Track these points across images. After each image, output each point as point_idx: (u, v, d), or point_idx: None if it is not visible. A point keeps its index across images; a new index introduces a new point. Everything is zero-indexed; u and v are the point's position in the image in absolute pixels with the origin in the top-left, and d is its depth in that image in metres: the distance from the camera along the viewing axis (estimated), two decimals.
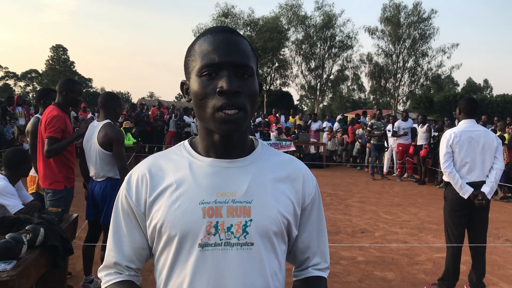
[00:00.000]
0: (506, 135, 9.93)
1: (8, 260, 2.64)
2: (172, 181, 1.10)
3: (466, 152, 4.00)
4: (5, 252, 2.67)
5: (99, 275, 1.20)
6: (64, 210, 3.78)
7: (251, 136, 1.23)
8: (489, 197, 3.96)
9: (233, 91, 1.01)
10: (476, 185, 3.98)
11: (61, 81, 4.14)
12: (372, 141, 11.93)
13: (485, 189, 3.95)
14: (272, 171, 1.14)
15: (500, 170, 4.04)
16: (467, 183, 3.98)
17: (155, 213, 1.09)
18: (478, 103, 4.22)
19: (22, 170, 3.66)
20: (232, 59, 1.03)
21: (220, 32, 1.06)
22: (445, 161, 4.05)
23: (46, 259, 3.08)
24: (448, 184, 4.16)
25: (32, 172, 4.34)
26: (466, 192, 3.95)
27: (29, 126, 4.46)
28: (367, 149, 13.04)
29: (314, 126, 15.72)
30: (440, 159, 4.16)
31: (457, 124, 4.24)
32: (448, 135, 4.09)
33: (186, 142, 1.20)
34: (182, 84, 1.16)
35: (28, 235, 2.89)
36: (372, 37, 36.48)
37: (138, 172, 1.15)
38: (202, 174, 1.10)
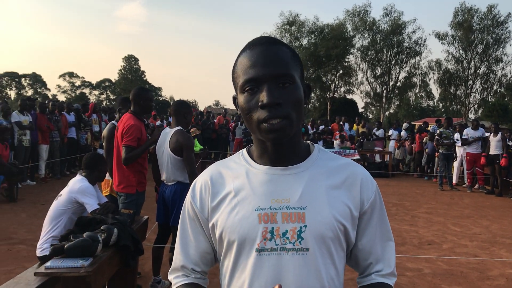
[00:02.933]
0: None
1: (85, 257, 2.83)
2: (231, 189, 1.15)
3: None
4: (83, 250, 2.86)
5: (169, 277, 1.28)
6: (135, 213, 3.99)
7: (308, 141, 1.25)
8: None
9: (273, 103, 1.03)
10: None
11: (135, 90, 4.35)
12: (440, 150, 11.51)
13: None
14: (327, 177, 1.15)
15: None
16: None
17: (217, 219, 1.15)
18: None
19: (99, 172, 3.87)
20: (269, 71, 1.05)
21: (258, 45, 1.09)
22: None
23: (118, 258, 3.26)
24: None
25: (107, 175, 4.59)
26: None
27: (105, 132, 4.73)
28: (436, 158, 12.59)
29: (379, 134, 15.41)
30: None
31: None
32: None
33: (244, 150, 1.25)
34: (234, 99, 1.21)
35: (103, 235, 3.07)
36: (442, 43, 35.23)
37: (201, 180, 1.22)
38: (257, 182, 1.14)
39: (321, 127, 16.39)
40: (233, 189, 1.15)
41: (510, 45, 39.54)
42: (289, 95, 1.07)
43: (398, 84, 37.72)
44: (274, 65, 1.06)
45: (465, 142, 11.27)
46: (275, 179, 1.13)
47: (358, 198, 1.15)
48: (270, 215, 1.09)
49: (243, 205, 1.12)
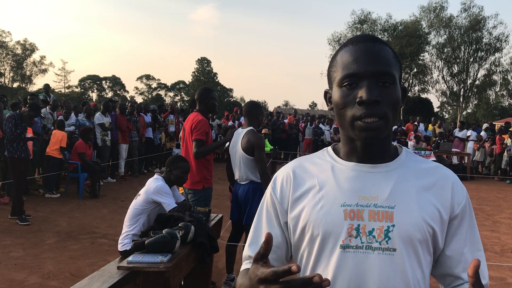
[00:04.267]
0: None
1: (164, 253, 2.95)
2: (315, 183, 1.14)
3: None
4: (163, 246, 2.99)
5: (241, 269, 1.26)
6: (210, 210, 4.09)
7: (396, 144, 1.22)
8: None
9: (372, 101, 1.01)
10: None
11: (200, 90, 4.55)
12: None
13: None
14: (417, 178, 1.11)
15: None
16: None
17: (300, 212, 1.13)
18: None
19: (178, 172, 3.87)
20: (371, 68, 1.03)
21: (362, 42, 1.07)
22: None
23: (195, 255, 3.37)
24: None
25: None
26: None
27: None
28: None
29: (459, 135, 14.72)
30: None
31: None
32: None
33: (329, 148, 1.23)
34: (326, 93, 1.20)
35: (181, 232, 3.19)
36: None
37: (284, 172, 1.21)
38: (344, 177, 1.12)
39: (395, 127, 15.92)
40: (318, 183, 1.13)
41: None
42: (388, 95, 1.05)
43: (477, 82, 35.82)
44: (376, 62, 1.05)
45: None
46: (362, 176, 1.11)
47: (449, 201, 1.11)
48: (357, 212, 1.07)
49: (328, 199, 1.10)
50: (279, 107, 52.93)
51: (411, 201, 1.07)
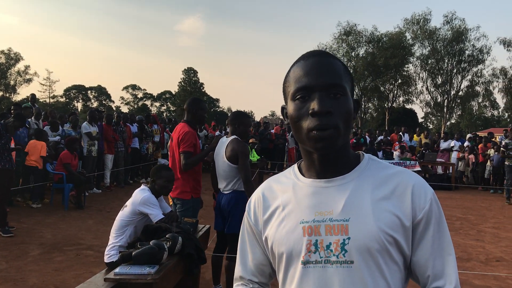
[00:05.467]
0: None
1: (151, 265, 2.93)
2: (280, 203, 1.19)
3: None
4: (150, 257, 2.97)
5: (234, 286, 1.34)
6: (198, 221, 4.07)
7: (360, 152, 1.23)
8: None
9: (325, 112, 1.04)
10: None
11: (189, 101, 4.54)
12: (506, 162, 10.99)
13: None
14: (374, 187, 1.11)
15: None
16: None
17: (268, 233, 1.19)
18: None
19: (163, 182, 3.85)
20: (322, 80, 1.06)
21: (312, 57, 1.11)
22: None
23: (182, 266, 3.36)
24: None
25: None
26: None
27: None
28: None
29: (444, 145, 14.91)
30: None
31: None
32: None
33: (295, 165, 1.27)
34: (283, 109, 1.23)
35: (168, 243, 3.17)
36: (507, 50, 33.63)
37: (255, 195, 1.28)
38: (302, 195, 1.15)
39: (380, 138, 16.07)
40: (281, 203, 1.18)
41: None
42: (339, 106, 1.07)
43: (460, 93, 36.43)
44: (327, 75, 1.08)
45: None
46: (319, 192, 1.14)
47: (409, 207, 1.09)
48: (314, 228, 1.10)
49: (289, 218, 1.14)
50: (265, 117, 53.05)
51: (366, 212, 1.08)
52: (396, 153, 14.13)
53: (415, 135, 16.39)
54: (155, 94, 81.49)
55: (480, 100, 39.84)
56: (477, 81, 36.00)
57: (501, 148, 11.16)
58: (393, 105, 38.58)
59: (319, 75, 1.07)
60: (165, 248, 3.05)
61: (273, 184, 1.25)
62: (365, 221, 1.07)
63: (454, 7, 62.23)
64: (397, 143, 14.80)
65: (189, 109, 4.45)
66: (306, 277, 1.09)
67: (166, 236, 3.26)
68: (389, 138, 15.82)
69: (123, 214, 3.73)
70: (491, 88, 36.77)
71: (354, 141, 14.60)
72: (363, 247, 1.05)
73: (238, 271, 1.31)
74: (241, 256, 1.30)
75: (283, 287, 1.17)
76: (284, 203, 1.17)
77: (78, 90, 77.57)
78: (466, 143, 14.53)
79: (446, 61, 35.74)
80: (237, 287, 1.31)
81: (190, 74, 72.45)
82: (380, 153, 14.31)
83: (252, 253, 1.27)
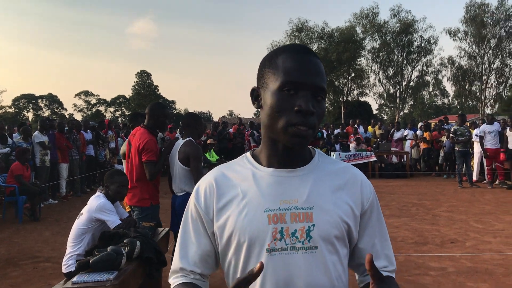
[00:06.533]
0: None
1: (110, 271, 2.88)
2: (238, 191, 1.18)
3: None
4: (108, 264, 2.92)
5: (169, 281, 1.28)
6: (156, 225, 4.03)
7: (309, 146, 1.29)
8: None
9: (310, 112, 1.09)
10: None
11: (152, 105, 4.41)
12: (456, 148, 11.44)
13: None
14: (331, 179, 1.20)
15: None
16: None
17: (225, 221, 1.16)
18: None
19: (118, 187, 3.81)
20: (313, 81, 1.10)
21: (303, 53, 1.13)
22: None
23: (142, 270, 3.32)
24: None
25: None
26: None
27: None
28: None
29: (397, 135, 15.33)
30: None
31: None
32: None
33: (248, 154, 1.27)
34: (253, 91, 1.22)
35: (126, 248, 3.13)
36: (453, 40, 34.89)
37: (206, 182, 1.23)
38: (265, 184, 1.17)
39: (336, 131, 16.37)
40: (241, 192, 1.17)
41: None
42: (320, 108, 1.13)
43: (411, 83, 37.51)
44: (317, 77, 1.12)
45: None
46: (282, 181, 1.17)
47: (359, 198, 1.21)
48: (279, 216, 1.13)
49: (252, 207, 1.14)
50: (224, 117, 52.89)
51: (328, 201, 1.16)
52: (352, 145, 14.44)
53: (369, 127, 16.78)
54: (108, 99, 79.96)
55: (430, 89, 41.34)
56: (427, 71, 37.16)
57: (451, 134, 11.59)
58: (348, 98, 39.32)
59: (311, 74, 1.11)
60: (123, 254, 3.01)
61: (226, 172, 1.23)
62: (327, 209, 1.14)
63: (400, 0, 63.63)
64: (352, 135, 15.12)
65: (151, 114, 4.31)
66: (272, 265, 1.11)
67: (124, 241, 3.21)
68: (345, 131, 16.14)
69: (80, 222, 3.66)
70: (440, 77, 38.08)
71: None
72: (326, 233, 1.12)
73: (177, 263, 1.24)
74: (182, 247, 1.25)
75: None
76: (245, 191, 1.17)
77: (28, 99, 75.05)
78: (418, 132, 15.00)
79: (396, 53, 36.70)
80: (177, 279, 1.25)
81: (144, 77, 71.31)
82: (337, 146, 14.58)
83: (197, 243, 1.22)
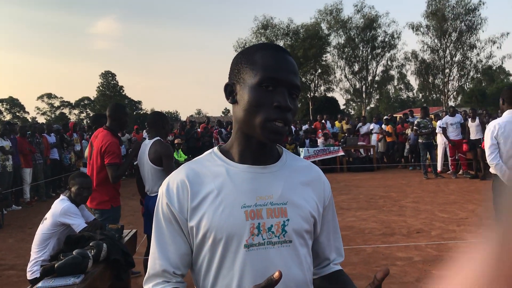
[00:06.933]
0: None
1: (76, 275, 2.83)
2: (212, 188, 1.16)
3: (511, 143, 3.89)
4: (74, 267, 2.87)
5: (146, 286, 1.19)
6: (123, 227, 3.98)
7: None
8: None
9: (288, 108, 1.13)
10: None
11: (113, 107, 4.36)
12: (420, 140, 11.72)
13: None
14: (299, 176, 1.25)
15: None
16: None
17: (200, 219, 1.14)
18: None
19: (81, 191, 3.75)
20: (291, 79, 1.14)
21: (281, 51, 1.18)
22: (491, 153, 3.94)
23: (110, 272, 3.27)
24: (495, 176, 4.04)
25: None
26: None
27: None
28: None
29: (363, 129, 15.57)
30: (485, 151, 4.05)
31: (501, 115, 4.11)
32: (492, 127, 3.99)
33: (216, 149, 1.25)
34: (227, 85, 1.21)
35: (92, 251, 3.08)
36: (416, 34, 35.63)
37: (176, 180, 1.19)
38: (240, 180, 1.17)
39: (304, 127, 16.51)
40: (215, 188, 1.16)
41: (483, 31, 40.16)
42: (294, 106, 1.17)
43: (377, 78, 38.17)
44: (295, 75, 1.17)
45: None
46: (257, 178, 1.19)
47: (322, 195, 1.29)
48: (256, 212, 1.15)
49: (228, 203, 1.14)
50: (191, 116, 52.62)
51: (299, 197, 1.21)
52: (320, 141, 14.59)
53: (337, 122, 16.99)
54: (72, 101, 78.12)
55: (395, 84, 42.06)
56: (391, 65, 37.86)
57: (414, 127, 11.86)
58: (316, 94, 39.67)
59: (289, 72, 1.15)
60: (89, 256, 2.96)
61: (197, 169, 1.20)
62: (299, 204, 1.20)
63: None
64: (320, 131, 15.28)
65: (113, 115, 4.26)
66: (250, 260, 1.13)
67: (90, 244, 3.16)
68: (313, 126, 16.31)
69: (44, 227, 3.58)
70: (404, 71, 38.90)
71: None
72: (299, 227, 1.18)
73: (158, 265, 1.16)
74: (160, 249, 1.17)
75: (218, 274, 1.14)
76: (219, 188, 1.16)
77: None
78: (383, 125, 15.29)
79: (361, 48, 37.22)
80: (158, 285, 1.16)
81: (108, 77, 69.97)
82: (307, 141, 14.70)
83: (174, 243, 1.17)
